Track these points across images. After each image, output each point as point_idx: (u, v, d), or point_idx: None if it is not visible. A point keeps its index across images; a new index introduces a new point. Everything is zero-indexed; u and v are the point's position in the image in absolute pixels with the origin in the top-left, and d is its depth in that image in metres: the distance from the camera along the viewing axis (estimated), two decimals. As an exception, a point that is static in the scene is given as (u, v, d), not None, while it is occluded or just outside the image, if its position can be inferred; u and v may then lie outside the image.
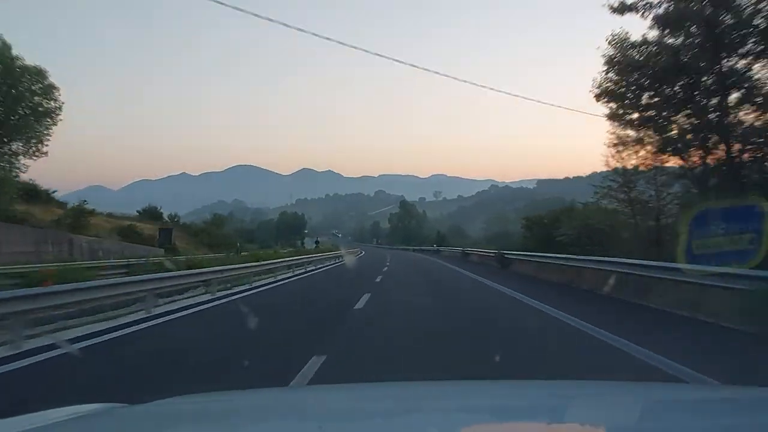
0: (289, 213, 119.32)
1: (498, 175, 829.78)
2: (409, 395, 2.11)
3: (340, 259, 42.52)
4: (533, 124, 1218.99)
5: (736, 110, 15.85)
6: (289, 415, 1.85)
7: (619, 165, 20.65)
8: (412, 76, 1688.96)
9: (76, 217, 37.42)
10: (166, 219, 56.88)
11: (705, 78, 16.37)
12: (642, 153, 19.18)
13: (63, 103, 33.53)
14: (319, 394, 2.49)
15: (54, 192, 44.29)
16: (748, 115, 15.62)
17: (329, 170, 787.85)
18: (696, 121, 16.76)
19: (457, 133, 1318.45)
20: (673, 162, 18.41)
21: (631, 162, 20.01)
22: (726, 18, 14.78)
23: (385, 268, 30.19)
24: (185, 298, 13.93)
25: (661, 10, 16.00)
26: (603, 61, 18.27)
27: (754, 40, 14.71)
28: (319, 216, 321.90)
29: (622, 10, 16.48)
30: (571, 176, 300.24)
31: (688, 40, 16.21)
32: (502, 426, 1.65)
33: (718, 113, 15.95)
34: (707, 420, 1.59)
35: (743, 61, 15.34)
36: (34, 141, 32.32)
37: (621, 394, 2.03)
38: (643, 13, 16.24)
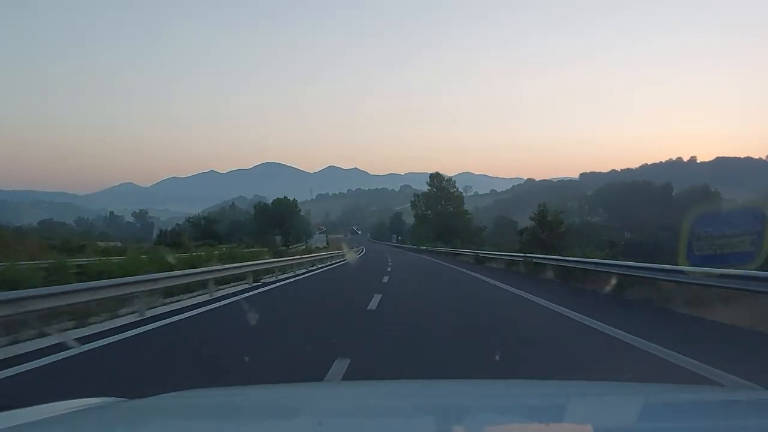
0: (278, 200, 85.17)
1: (524, 172, 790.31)
2: (411, 394, 2.03)
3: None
4: (562, 120, 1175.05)
5: None
6: (290, 411, 1.78)
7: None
8: (440, 74, 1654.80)
9: None
10: None
11: None
12: None
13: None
14: (323, 391, 2.40)
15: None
16: None
17: (355, 168, 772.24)
18: None
19: (484, 132, 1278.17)
20: None
21: None
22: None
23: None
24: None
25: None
26: None
27: None
28: (338, 211, 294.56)
29: None
30: (618, 169, 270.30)
31: None
32: (503, 425, 1.59)
33: None
34: (707, 421, 1.54)
35: None
36: None
37: (622, 394, 1.97)
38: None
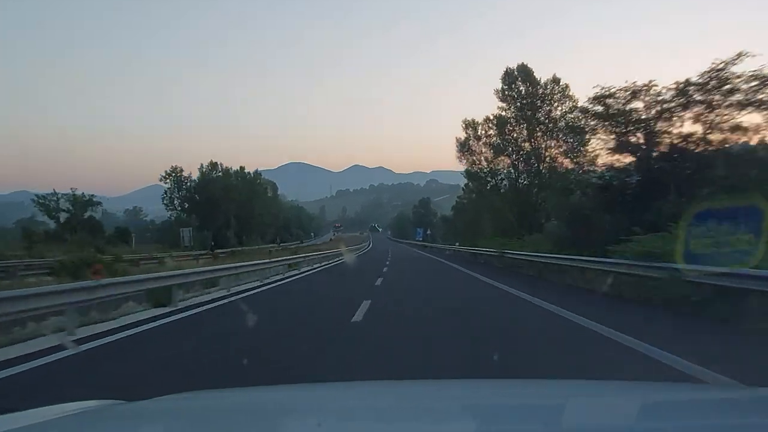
0: (210, 171, 51.95)
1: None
2: (409, 393, 1.99)
3: None
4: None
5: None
6: (289, 412, 1.72)
7: None
8: (467, 73, 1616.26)
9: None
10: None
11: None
12: None
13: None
14: (319, 392, 2.27)
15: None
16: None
17: (380, 166, 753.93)
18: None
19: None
20: None
21: None
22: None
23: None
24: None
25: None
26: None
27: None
28: (357, 207, 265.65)
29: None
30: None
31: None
32: (502, 425, 1.54)
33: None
34: (706, 420, 1.51)
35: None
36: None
37: (621, 393, 1.93)
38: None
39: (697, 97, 15.19)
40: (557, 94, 34.82)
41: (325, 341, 7.15)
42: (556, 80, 35.08)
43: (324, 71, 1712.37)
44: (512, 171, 35.85)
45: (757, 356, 5.62)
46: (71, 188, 40.29)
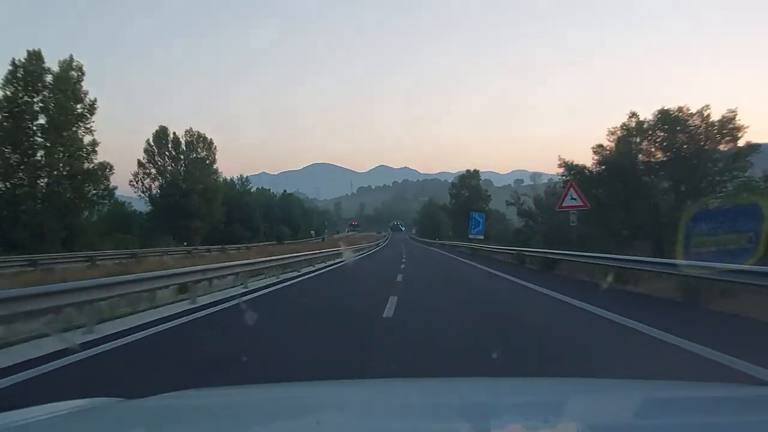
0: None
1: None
2: (408, 391, 1.99)
3: None
4: (620, 109, 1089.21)
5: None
6: (288, 410, 1.71)
7: None
8: (496, 75, 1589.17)
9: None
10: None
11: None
12: None
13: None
14: (319, 390, 2.27)
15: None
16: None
17: (405, 167, 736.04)
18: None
19: (533, 129, 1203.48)
20: None
21: None
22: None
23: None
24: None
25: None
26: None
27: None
28: (377, 203, 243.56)
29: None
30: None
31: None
32: (504, 423, 1.54)
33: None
34: (707, 417, 1.50)
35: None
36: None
37: (622, 391, 1.92)
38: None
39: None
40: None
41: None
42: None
43: (350, 71, 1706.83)
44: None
45: None
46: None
